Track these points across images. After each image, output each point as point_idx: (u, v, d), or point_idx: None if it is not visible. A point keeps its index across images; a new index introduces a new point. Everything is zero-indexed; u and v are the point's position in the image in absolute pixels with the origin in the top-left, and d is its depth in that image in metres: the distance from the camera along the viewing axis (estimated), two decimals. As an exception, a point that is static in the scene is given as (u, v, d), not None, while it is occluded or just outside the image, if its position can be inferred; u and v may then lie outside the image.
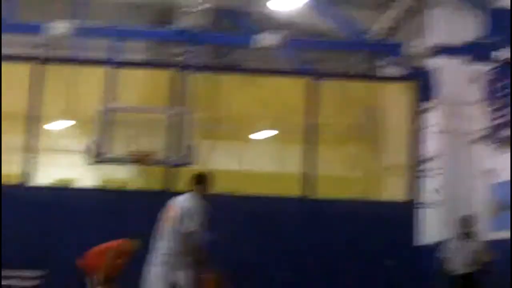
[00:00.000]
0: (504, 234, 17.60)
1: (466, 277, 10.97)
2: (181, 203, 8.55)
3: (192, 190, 8.75)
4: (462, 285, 10.97)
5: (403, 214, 16.44)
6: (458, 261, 11.06)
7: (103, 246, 12.87)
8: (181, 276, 8.33)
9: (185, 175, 15.09)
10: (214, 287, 8.64)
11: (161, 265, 8.33)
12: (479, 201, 19.23)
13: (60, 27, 15.81)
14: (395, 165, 17.82)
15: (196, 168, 15.59)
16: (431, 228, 19.31)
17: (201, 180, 8.76)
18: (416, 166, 16.82)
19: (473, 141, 19.59)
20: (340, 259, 16.09)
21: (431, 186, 20.29)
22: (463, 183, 19.70)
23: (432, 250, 20.02)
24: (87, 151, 15.42)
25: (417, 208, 16.68)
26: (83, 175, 17.17)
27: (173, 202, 8.66)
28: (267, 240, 16.01)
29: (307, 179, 16.41)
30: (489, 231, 18.42)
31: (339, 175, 18.16)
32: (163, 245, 8.41)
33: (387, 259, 15.52)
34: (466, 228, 11.55)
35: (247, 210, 16.03)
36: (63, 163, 17.38)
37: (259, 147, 18.18)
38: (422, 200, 17.21)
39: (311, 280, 15.94)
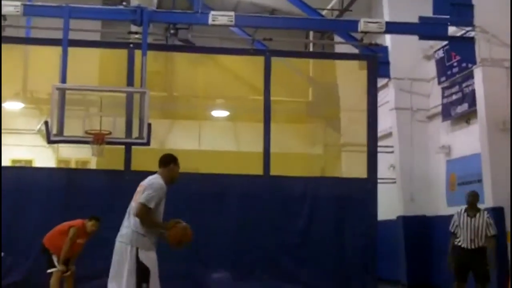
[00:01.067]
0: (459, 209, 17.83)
1: (474, 251, 11.06)
2: (147, 182, 8.47)
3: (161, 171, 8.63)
4: (470, 258, 11.04)
5: (362, 191, 16.51)
6: (465, 236, 11.09)
7: (65, 225, 12.73)
8: (145, 256, 8.24)
9: (143, 154, 15.01)
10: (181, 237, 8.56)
11: (126, 243, 8.23)
12: (435, 177, 19.46)
13: (11, 6, 15.52)
14: (353, 142, 17.89)
15: (154, 147, 15.51)
16: (388, 204, 19.50)
17: (165, 162, 8.67)
18: (374, 143, 16.88)
19: (428, 118, 19.79)
20: (301, 236, 16.14)
21: (387, 163, 20.47)
22: (418, 160, 19.91)
23: (389, 225, 20.24)
24: (43, 131, 15.20)
25: (376, 184, 16.75)
26: (40, 155, 16.96)
27: (143, 182, 8.58)
28: (228, 218, 15.98)
29: (266, 157, 16.39)
30: (446, 206, 18.68)
31: (299, 152, 18.23)
32: (129, 224, 8.32)
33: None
34: (472, 203, 11.57)
35: (207, 188, 15.97)
36: (19, 143, 17.13)
37: (217, 126, 18.14)
38: (378, 177, 17.30)
39: (274, 255, 15.96)
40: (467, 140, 17.69)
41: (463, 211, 11.66)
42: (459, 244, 11.30)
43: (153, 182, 8.39)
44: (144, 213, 8.20)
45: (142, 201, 8.20)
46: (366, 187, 16.56)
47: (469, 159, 17.56)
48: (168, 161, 8.68)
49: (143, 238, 8.23)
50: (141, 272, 8.15)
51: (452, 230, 11.58)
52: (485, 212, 11.80)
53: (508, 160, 15.84)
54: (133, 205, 8.40)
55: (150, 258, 8.29)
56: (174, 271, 15.45)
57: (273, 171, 16.37)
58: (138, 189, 8.50)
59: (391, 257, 20.30)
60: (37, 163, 17.98)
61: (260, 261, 15.93)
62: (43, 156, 17.76)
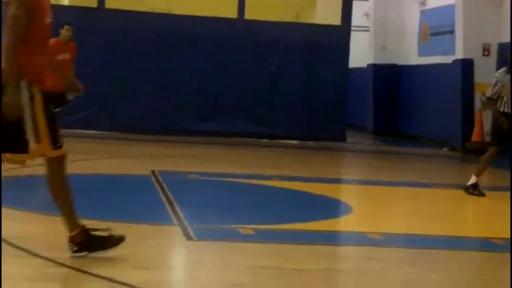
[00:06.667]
0: (431, 60, 18.04)
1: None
2: None
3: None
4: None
5: (335, 38, 16.53)
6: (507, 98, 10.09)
7: None
8: None
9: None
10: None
11: None
12: (408, 27, 19.53)
13: None
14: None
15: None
16: (359, 52, 19.61)
17: None
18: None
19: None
20: (273, 81, 16.25)
21: (361, 11, 20.43)
22: (392, 9, 19.89)
23: (359, 73, 20.45)
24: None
25: (349, 32, 16.77)
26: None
27: None
28: (200, 61, 16.00)
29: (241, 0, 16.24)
30: (417, 56, 18.87)
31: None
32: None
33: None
34: None
35: (179, 30, 15.92)
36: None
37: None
38: (352, 25, 17.29)
39: (244, 99, 16.12)
40: (443, -9, 17.66)
41: (505, 72, 10.46)
42: (503, 110, 10.27)
43: None
44: None
45: None
46: (340, 35, 16.57)
47: (443, 10, 17.59)
48: None
49: None
50: None
51: (493, 97, 10.40)
52: None
53: (480, 12, 15.95)
54: None
55: None
56: (142, 110, 15.66)
57: (248, 15, 16.29)
58: None
59: (359, 104, 20.64)
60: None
61: (229, 104, 16.08)
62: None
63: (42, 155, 5.22)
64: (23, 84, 5.10)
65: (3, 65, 5.07)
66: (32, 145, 5.13)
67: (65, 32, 11.72)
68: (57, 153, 5.26)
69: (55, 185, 5.33)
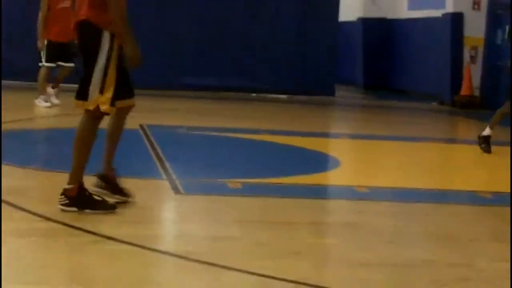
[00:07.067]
0: (421, 13, 17.97)
1: None
2: None
3: None
4: None
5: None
6: None
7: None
8: None
9: None
10: None
11: None
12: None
13: None
14: None
15: None
16: (348, 5, 19.49)
17: None
18: None
19: None
20: (263, 36, 16.20)
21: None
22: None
23: (349, 27, 20.36)
24: None
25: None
26: None
27: None
28: (192, 16, 15.92)
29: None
30: (407, 10, 18.78)
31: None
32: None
33: None
34: None
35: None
36: None
37: None
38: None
39: (236, 54, 16.07)
40: None
41: None
42: None
43: None
44: None
45: None
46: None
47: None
48: None
49: None
50: None
51: None
52: None
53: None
54: None
55: None
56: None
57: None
58: None
59: (349, 58, 20.57)
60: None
61: (219, 58, 16.03)
62: None
63: (96, 108, 5.34)
64: (106, 34, 5.32)
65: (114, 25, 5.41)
66: (93, 94, 5.31)
67: None
68: (110, 110, 5.42)
69: (84, 136, 5.45)
